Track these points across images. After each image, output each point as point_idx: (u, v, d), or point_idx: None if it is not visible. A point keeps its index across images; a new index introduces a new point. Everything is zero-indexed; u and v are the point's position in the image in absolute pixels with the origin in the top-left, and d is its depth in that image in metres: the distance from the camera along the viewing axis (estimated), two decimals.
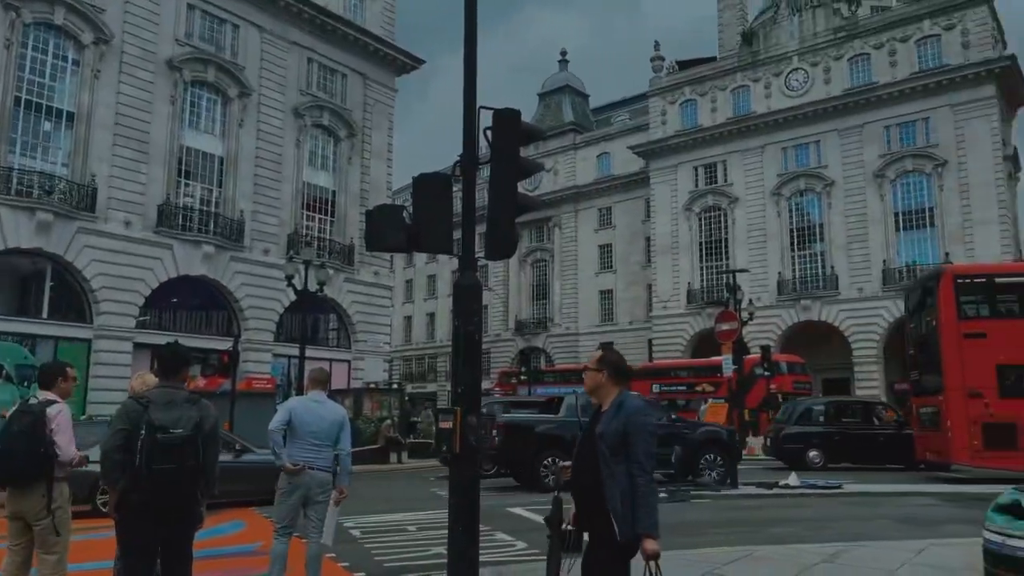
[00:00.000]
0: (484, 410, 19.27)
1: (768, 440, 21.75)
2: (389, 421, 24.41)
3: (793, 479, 13.47)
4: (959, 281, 16.54)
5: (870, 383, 39.44)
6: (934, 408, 16.57)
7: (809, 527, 9.37)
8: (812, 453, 19.22)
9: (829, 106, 41.96)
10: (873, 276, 40.05)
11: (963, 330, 15.61)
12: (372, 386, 29.05)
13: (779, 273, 42.95)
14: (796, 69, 44.04)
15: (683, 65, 50.29)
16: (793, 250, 43.19)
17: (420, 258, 64.98)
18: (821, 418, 20.05)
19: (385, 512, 11.26)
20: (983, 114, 38.19)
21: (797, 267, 42.95)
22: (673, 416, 16.12)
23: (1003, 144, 38.96)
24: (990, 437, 14.71)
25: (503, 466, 15.08)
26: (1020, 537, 3.46)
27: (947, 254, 37.93)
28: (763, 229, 43.85)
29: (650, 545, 3.54)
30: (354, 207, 31.63)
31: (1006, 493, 3.66)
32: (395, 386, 34.95)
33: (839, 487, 13.23)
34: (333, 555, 7.32)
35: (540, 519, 10.04)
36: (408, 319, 68.08)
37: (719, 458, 14.69)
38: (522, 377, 45.94)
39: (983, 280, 16.67)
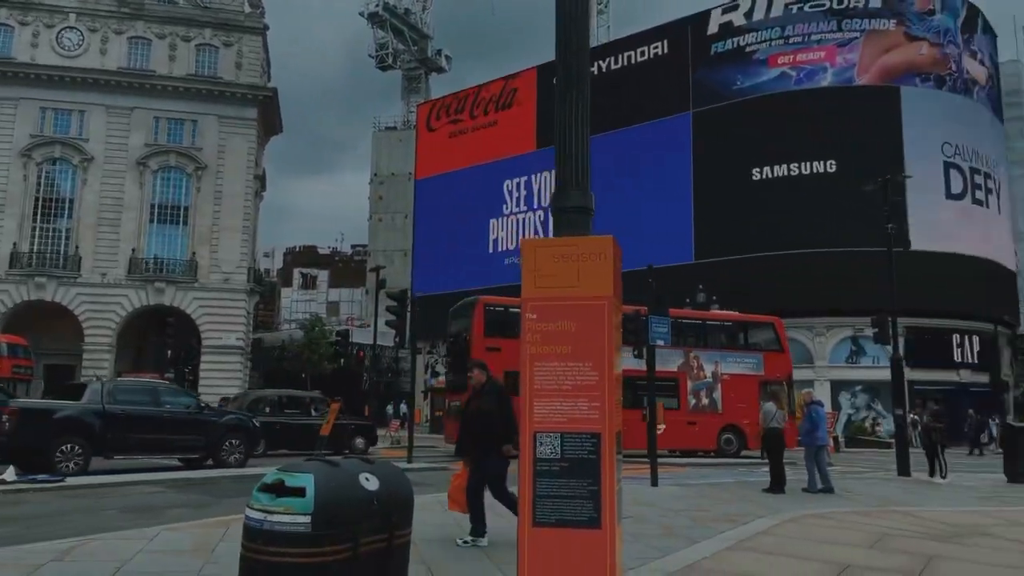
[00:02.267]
0: None
1: None
2: None
3: (10, 474, 11.99)
4: (487, 308, 21.86)
5: (99, 371, 38.27)
6: (460, 402, 19.77)
7: (33, 525, 8.48)
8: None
9: (101, 79, 39.87)
10: (120, 263, 39.32)
11: (486, 344, 20.29)
12: None
13: (15, 244, 38.22)
14: (72, 28, 40.49)
15: None
16: (36, 221, 39.10)
17: None
18: (268, 409, 20.62)
19: None
20: (244, 132, 42.05)
21: (38, 240, 39.00)
22: (201, 404, 16.69)
23: (256, 164, 43.62)
24: None
25: (14, 454, 13.22)
26: (280, 512, 3.76)
27: (194, 253, 40.14)
28: (4, 191, 38.45)
29: None
30: None
31: (270, 473, 3.98)
32: None
33: (62, 480, 12.38)
34: None
35: None
36: None
37: (241, 443, 16.05)
38: None
39: (502, 309, 21.33)
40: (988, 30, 43.67)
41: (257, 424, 17.28)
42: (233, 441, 16.01)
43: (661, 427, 23.01)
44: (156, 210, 40.51)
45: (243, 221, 41.42)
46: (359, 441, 21.39)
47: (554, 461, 4.01)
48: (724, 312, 26.77)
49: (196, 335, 39.51)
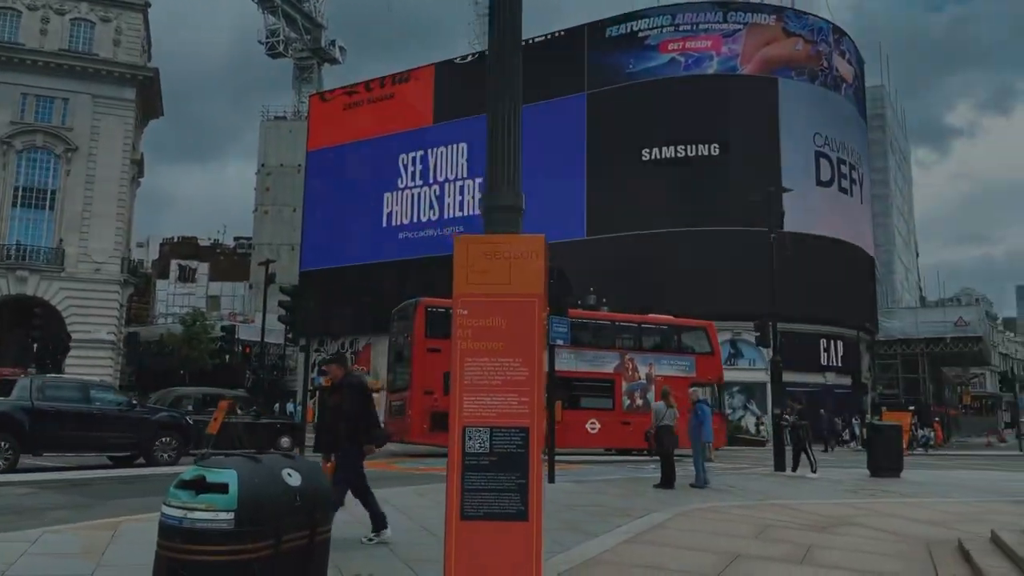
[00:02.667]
0: None
1: None
2: None
3: None
4: (428, 310, 22.05)
5: None
6: (401, 401, 22.14)
7: None
8: None
9: None
10: None
11: (427, 345, 20.82)
12: None
13: None
14: None
15: None
16: None
17: None
18: (190, 407, 19.50)
19: None
20: (120, 114, 39.62)
21: None
22: (134, 401, 16.56)
23: (133, 148, 41.21)
24: (435, 423, 19.70)
25: None
26: (201, 509, 3.63)
27: (61, 240, 37.55)
28: None
29: None
30: None
31: (189, 469, 3.85)
32: None
33: None
34: None
35: None
36: None
37: (175, 441, 15.85)
38: None
39: (443, 310, 20.93)
40: (851, 42, 47.17)
41: (191, 422, 16.72)
42: (166, 439, 15.81)
43: (596, 426, 23.79)
44: (20, 193, 37.57)
45: (117, 208, 39.04)
46: (284, 440, 20.52)
47: (483, 455, 4.06)
48: (659, 316, 27.53)
49: (64, 328, 36.91)
